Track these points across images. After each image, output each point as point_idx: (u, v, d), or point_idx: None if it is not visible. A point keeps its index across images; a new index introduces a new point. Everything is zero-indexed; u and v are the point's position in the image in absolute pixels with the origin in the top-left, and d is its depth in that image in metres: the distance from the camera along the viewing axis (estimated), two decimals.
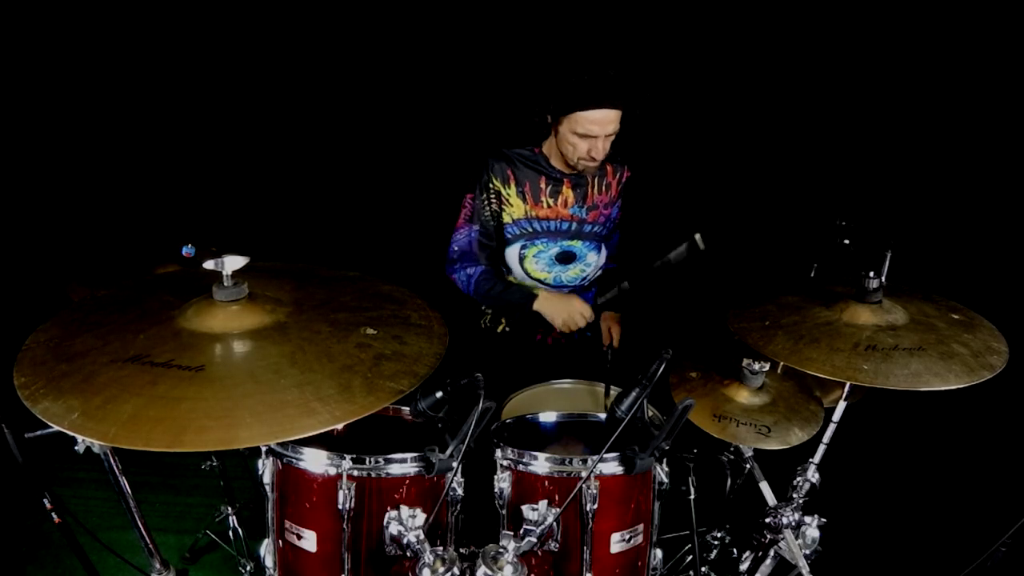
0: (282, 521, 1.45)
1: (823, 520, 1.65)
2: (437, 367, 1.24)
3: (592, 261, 2.26)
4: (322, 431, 1.04)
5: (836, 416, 1.67)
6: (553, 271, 2.24)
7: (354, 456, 1.36)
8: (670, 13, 2.93)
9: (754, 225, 3.10)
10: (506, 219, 2.18)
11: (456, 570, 1.27)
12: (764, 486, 1.76)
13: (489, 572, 1.22)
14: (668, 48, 2.94)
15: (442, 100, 3.19)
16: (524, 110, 2.11)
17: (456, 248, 2.22)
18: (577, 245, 2.22)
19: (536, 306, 2.14)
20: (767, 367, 1.69)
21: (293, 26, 3.16)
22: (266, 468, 1.46)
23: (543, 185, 2.16)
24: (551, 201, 2.17)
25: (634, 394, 1.38)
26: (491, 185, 2.15)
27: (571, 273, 2.26)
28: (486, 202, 2.16)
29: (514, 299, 2.18)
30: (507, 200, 2.16)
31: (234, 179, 3.43)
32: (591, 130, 1.94)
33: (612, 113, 1.93)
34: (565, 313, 2.12)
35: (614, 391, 1.96)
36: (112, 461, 1.28)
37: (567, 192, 2.17)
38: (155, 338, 1.17)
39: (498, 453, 1.50)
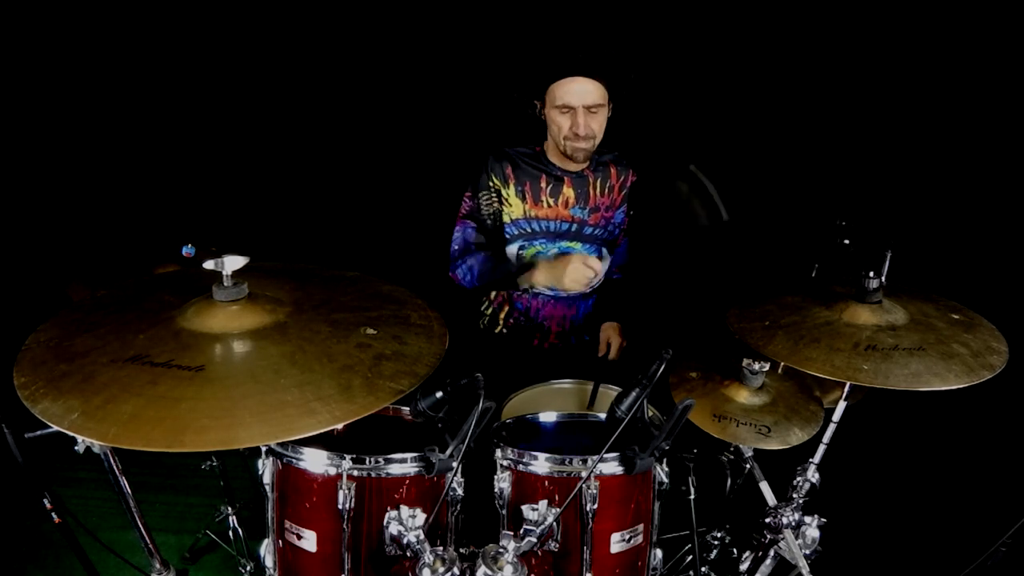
0: (282, 521, 1.44)
1: (823, 520, 1.65)
2: (437, 367, 1.24)
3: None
4: (322, 431, 1.04)
5: (836, 416, 1.67)
6: None
7: (354, 456, 1.35)
8: (671, 12, 2.93)
9: (754, 225, 3.10)
10: (505, 219, 2.18)
11: (456, 570, 1.26)
12: (764, 486, 1.76)
13: (489, 572, 1.22)
14: (670, 50, 2.94)
15: (442, 99, 3.19)
16: (516, 100, 2.12)
17: (456, 248, 2.22)
18: (576, 247, 2.21)
19: (536, 279, 2.05)
20: (767, 367, 1.69)
21: (292, 26, 3.16)
22: (266, 468, 1.46)
23: (544, 184, 2.16)
24: (551, 200, 2.16)
25: (634, 394, 1.38)
26: (491, 184, 2.15)
27: None
28: (487, 202, 2.16)
29: (513, 271, 2.10)
30: (506, 200, 2.16)
31: (234, 179, 3.43)
32: (568, 101, 1.97)
33: (588, 83, 1.95)
34: (567, 275, 1.96)
35: (605, 390, 1.95)
36: (112, 461, 1.28)
37: (568, 192, 2.16)
38: (155, 338, 1.17)
39: (498, 453, 1.49)
